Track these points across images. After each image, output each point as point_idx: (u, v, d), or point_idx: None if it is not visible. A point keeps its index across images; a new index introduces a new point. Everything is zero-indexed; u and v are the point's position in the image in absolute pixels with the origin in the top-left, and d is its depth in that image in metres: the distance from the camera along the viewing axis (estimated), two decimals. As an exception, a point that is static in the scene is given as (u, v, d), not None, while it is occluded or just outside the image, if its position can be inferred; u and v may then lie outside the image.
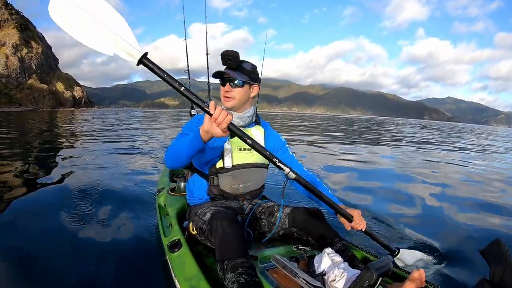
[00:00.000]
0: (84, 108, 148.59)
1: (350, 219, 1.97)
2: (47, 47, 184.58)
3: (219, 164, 2.16)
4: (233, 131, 1.62)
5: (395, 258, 2.16)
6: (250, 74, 2.11)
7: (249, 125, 2.27)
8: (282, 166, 1.76)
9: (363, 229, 2.05)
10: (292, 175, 1.77)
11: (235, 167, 2.15)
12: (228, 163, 2.10)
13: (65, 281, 2.43)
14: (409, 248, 2.96)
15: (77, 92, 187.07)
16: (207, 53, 4.67)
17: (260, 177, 2.32)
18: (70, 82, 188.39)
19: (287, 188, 1.84)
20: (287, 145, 2.43)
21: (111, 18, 1.48)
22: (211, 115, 1.56)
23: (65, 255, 2.79)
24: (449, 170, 8.32)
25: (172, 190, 3.21)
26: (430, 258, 2.81)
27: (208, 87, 4.24)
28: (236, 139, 2.13)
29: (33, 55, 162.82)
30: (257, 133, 2.29)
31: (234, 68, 2.06)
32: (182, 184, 3.15)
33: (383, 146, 14.43)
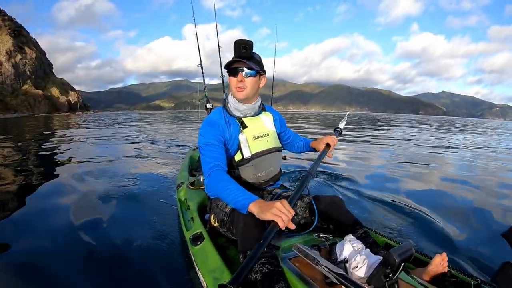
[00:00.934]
0: (80, 113, 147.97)
1: (326, 150, 2.36)
2: (41, 53, 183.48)
3: (237, 157, 2.17)
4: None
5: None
6: (259, 64, 2.13)
7: (257, 113, 2.31)
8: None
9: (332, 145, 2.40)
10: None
11: (254, 156, 2.17)
12: (247, 153, 2.14)
13: (90, 276, 2.46)
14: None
15: (72, 97, 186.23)
16: (219, 50, 4.65)
17: (278, 161, 2.36)
18: (65, 87, 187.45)
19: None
20: (287, 125, 2.62)
21: None
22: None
23: (91, 251, 2.83)
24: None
25: (192, 184, 3.24)
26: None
27: (223, 84, 4.26)
28: (248, 129, 2.19)
29: (27, 61, 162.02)
30: (266, 119, 2.34)
31: (248, 57, 2.05)
32: (201, 178, 3.16)
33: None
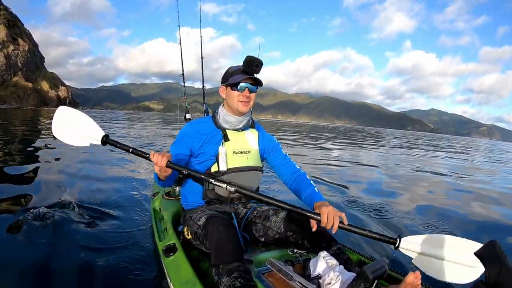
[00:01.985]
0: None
1: (317, 218, 1.80)
2: (34, 45, 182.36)
3: (214, 168, 2.17)
4: (172, 167, 1.88)
5: (400, 249, 1.90)
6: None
7: (245, 128, 2.30)
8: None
9: (336, 227, 1.77)
10: (231, 189, 1.89)
11: (230, 171, 2.16)
12: (223, 166, 2.14)
13: (57, 285, 2.42)
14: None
15: (62, 92, 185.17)
16: (202, 62, 4.63)
17: (255, 180, 2.32)
18: (55, 82, 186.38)
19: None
20: (280, 146, 2.46)
21: (85, 122, 2.11)
22: (151, 160, 1.85)
23: (57, 259, 2.76)
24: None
25: (167, 194, 3.22)
26: (439, 236, 2.22)
27: (204, 96, 4.24)
28: (230, 142, 2.20)
29: (19, 52, 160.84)
30: (251, 136, 2.33)
31: (257, 74, 2.13)
32: (177, 188, 3.14)
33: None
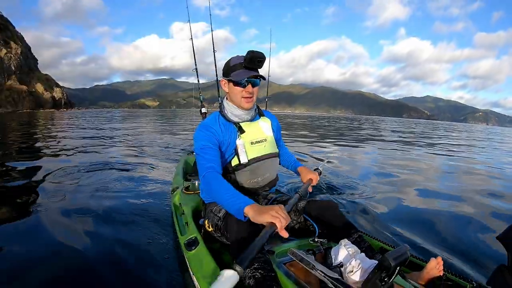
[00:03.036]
0: (65, 109, 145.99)
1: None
2: (26, 47, 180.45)
3: (234, 162, 2.16)
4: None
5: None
6: None
7: (254, 118, 2.31)
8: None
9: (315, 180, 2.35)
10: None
11: (251, 161, 2.16)
12: (244, 158, 2.14)
13: (85, 281, 2.44)
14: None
15: (57, 93, 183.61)
16: (214, 55, 4.61)
17: (275, 166, 2.36)
18: (50, 83, 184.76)
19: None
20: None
21: None
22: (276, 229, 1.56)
23: (85, 256, 2.78)
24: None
25: (187, 188, 3.21)
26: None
27: (218, 90, 4.25)
28: (246, 134, 2.19)
29: (12, 55, 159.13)
30: (264, 124, 2.34)
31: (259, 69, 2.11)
32: (196, 183, 3.14)
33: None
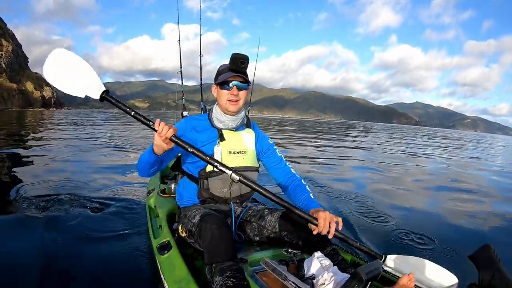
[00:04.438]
0: (54, 109, 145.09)
1: (314, 223, 1.81)
2: (17, 45, 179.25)
3: (209, 168, 2.15)
4: (176, 142, 1.77)
5: (383, 265, 2.01)
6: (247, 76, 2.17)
7: (240, 127, 2.29)
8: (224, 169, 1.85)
9: (332, 233, 1.78)
10: (236, 177, 1.83)
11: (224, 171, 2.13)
12: None
13: (53, 285, 2.40)
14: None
15: (47, 92, 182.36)
16: (200, 59, 4.61)
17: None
18: (40, 82, 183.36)
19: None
20: (275, 147, 2.44)
21: (83, 69, 1.88)
22: (156, 130, 1.73)
23: (48, 255, 2.75)
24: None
25: (163, 191, 3.20)
26: (423, 261, 2.41)
27: (201, 89, 4.22)
28: (225, 142, 2.18)
29: (3, 53, 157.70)
30: (247, 136, 2.31)
31: (244, 71, 2.11)
32: (172, 186, 3.13)
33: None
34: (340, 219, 1.84)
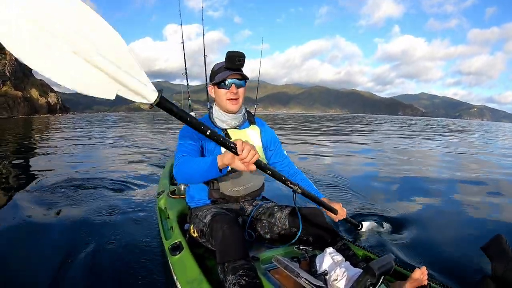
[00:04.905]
0: (60, 114, 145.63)
1: (335, 212, 2.12)
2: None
3: None
4: (260, 166, 1.67)
5: (359, 231, 2.51)
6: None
7: (243, 125, 2.29)
8: (291, 185, 1.84)
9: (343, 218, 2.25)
10: (299, 191, 1.86)
11: (234, 170, 2.10)
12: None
13: (64, 284, 2.41)
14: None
15: (52, 98, 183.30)
16: (205, 59, 4.62)
17: (260, 178, 2.32)
18: (45, 88, 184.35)
19: (285, 188, 1.86)
20: (280, 144, 2.47)
21: (120, 53, 1.19)
22: (238, 154, 1.56)
23: (62, 256, 2.77)
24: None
25: (173, 192, 3.20)
26: (386, 225, 3.41)
27: (207, 93, 4.24)
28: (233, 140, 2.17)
29: (7, 61, 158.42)
30: (252, 133, 2.32)
31: (240, 69, 2.10)
32: (182, 187, 3.13)
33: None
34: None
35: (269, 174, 1.75)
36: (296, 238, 2.02)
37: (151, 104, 1.30)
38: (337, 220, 2.19)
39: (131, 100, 1.25)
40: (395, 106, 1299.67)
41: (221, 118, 2.20)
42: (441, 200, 5.08)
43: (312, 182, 2.46)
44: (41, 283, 2.41)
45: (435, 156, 10.54)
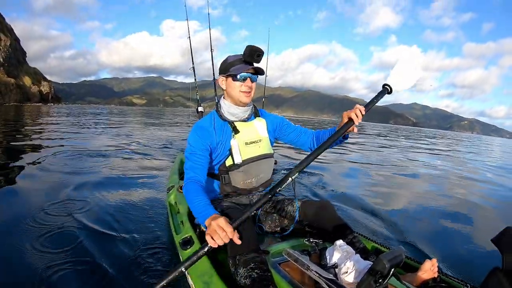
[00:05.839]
0: (52, 104, 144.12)
1: (350, 124, 1.91)
2: (16, 40, 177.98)
3: (228, 162, 2.18)
4: (237, 227, 1.64)
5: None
6: None
7: (250, 117, 2.31)
8: (284, 184, 1.74)
9: (363, 113, 1.96)
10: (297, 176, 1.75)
11: (245, 162, 2.16)
12: (238, 159, 2.14)
13: (77, 279, 2.41)
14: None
15: (44, 87, 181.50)
16: (212, 54, 4.63)
17: (269, 167, 2.35)
18: (38, 77, 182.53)
19: (296, 181, 1.85)
20: (286, 119, 2.48)
21: None
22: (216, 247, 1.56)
23: (77, 253, 2.76)
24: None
25: (182, 187, 3.20)
26: None
27: (215, 89, 4.23)
28: (240, 134, 2.18)
29: (1, 47, 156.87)
30: (259, 125, 2.33)
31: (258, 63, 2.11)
32: None
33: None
34: (359, 107, 1.94)
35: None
36: (288, 231, 2.08)
37: None
38: (356, 130, 1.96)
39: None
40: (387, 115, 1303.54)
41: (231, 111, 2.21)
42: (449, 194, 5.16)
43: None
44: (51, 275, 2.41)
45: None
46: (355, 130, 1.93)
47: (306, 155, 1.79)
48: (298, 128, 2.46)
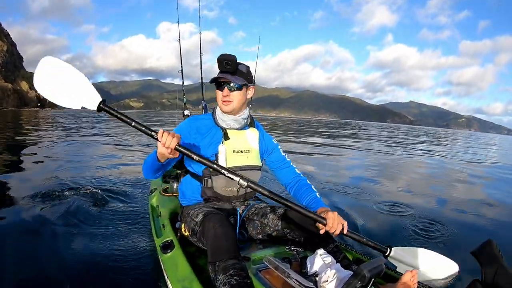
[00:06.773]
0: (50, 109, 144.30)
1: (323, 222, 1.85)
2: (12, 45, 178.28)
3: None
4: (181, 151, 1.75)
5: (388, 258, 2.05)
6: (246, 76, 2.13)
7: (244, 127, 2.28)
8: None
9: (339, 233, 1.85)
10: (244, 183, 1.82)
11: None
12: (222, 165, 2.11)
13: (56, 282, 2.39)
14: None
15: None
16: (200, 58, 4.62)
17: (255, 179, 2.27)
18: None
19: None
20: (279, 147, 2.43)
21: (76, 79, 1.76)
22: (159, 141, 1.70)
23: (54, 256, 2.75)
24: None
25: (165, 190, 3.21)
26: (426, 252, 2.12)
27: (202, 94, 4.21)
28: (230, 141, 2.17)
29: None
30: (251, 135, 2.30)
31: (232, 72, 2.07)
32: (174, 185, 3.16)
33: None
34: (345, 223, 1.88)
35: (192, 158, 1.80)
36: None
37: (97, 109, 1.74)
38: (322, 232, 1.87)
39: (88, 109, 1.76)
40: (385, 114, 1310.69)
41: (223, 118, 2.19)
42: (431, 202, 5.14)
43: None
44: (29, 282, 2.41)
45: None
46: (322, 231, 1.88)
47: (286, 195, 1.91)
48: (286, 160, 2.42)
